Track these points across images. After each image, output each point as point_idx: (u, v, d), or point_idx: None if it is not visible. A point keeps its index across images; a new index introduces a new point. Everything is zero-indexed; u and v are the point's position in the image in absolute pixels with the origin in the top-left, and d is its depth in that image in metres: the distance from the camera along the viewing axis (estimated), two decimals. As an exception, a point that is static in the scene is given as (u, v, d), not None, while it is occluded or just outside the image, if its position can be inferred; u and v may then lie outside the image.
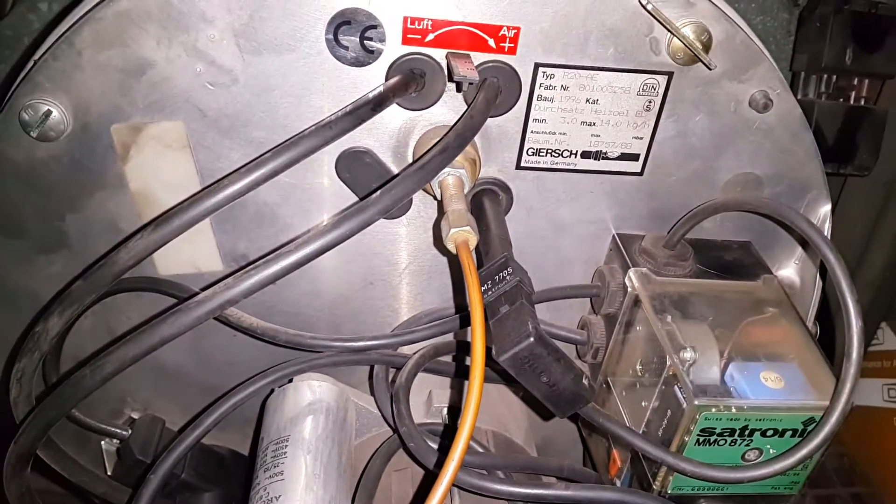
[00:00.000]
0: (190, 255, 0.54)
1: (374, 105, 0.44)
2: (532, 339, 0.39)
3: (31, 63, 0.48)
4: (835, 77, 0.85)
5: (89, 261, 0.53)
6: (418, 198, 0.53)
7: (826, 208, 0.56)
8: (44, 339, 0.41)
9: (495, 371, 0.54)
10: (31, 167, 0.49)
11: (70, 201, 0.51)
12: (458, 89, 0.47)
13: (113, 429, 0.56)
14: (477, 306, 0.37)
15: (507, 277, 0.44)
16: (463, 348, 0.55)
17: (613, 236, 0.55)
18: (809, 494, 1.15)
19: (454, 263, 0.56)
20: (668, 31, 0.45)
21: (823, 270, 0.57)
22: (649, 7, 0.44)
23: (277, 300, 0.57)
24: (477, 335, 0.36)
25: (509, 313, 0.41)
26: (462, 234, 0.42)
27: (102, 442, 0.61)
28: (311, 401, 0.51)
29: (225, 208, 0.50)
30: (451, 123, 0.49)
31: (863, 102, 0.88)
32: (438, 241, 0.48)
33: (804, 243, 0.57)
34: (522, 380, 0.41)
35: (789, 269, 0.59)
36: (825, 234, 0.54)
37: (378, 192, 0.40)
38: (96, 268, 0.40)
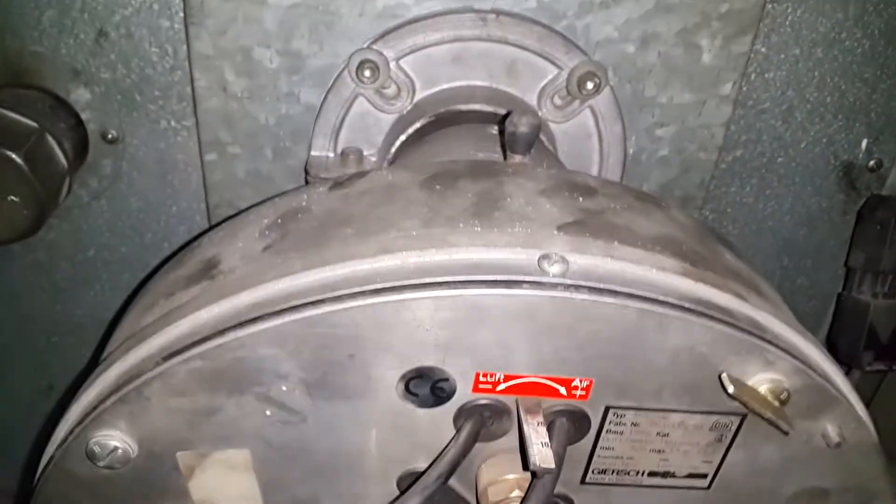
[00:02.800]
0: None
1: (448, 475, 0.43)
2: None
3: (98, 391, 0.47)
4: (890, 278, 0.84)
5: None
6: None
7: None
8: None
9: None
10: (93, 482, 0.49)
11: (133, 506, 0.51)
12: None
13: None
14: None
15: None
16: None
17: (676, 537, 0.54)
18: None
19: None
20: (752, 411, 0.44)
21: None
22: (730, 390, 0.43)
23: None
24: None
25: None
26: None
27: None
28: None
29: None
30: (516, 449, 0.49)
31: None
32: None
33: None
34: None
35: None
36: None
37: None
38: None
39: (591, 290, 0.43)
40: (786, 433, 0.45)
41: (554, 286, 0.42)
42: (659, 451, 0.50)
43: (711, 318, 0.44)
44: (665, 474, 0.51)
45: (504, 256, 0.44)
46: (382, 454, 0.48)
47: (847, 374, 0.72)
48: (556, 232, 0.46)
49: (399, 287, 0.42)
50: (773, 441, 0.49)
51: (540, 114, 0.77)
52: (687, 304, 0.44)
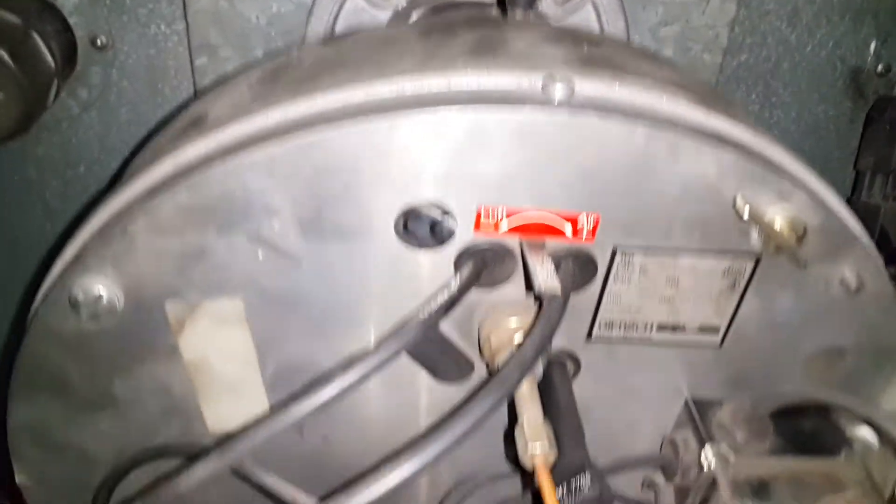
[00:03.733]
0: (242, 412, 0.52)
1: (447, 309, 0.41)
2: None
3: (80, 243, 0.45)
4: (902, 179, 0.81)
5: (138, 419, 0.51)
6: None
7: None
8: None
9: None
10: (78, 339, 0.47)
11: (119, 368, 0.49)
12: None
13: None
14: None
15: (585, 488, 0.41)
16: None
17: (686, 401, 0.53)
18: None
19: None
20: (767, 239, 0.42)
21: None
22: (745, 215, 0.41)
23: (328, 459, 0.54)
24: None
25: (591, 543, 0.39)
26: (541, 455, 0.39)
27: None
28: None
29: (278, 373, 0.49)
30: (520, 300, 0.47)
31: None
32: (510, 447, 0.45)
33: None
34: None
35: (866, 428, 0.55)
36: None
37: (452, 416, 0.37)
38: (156, 491, 0.38)
39: (598, 112, 0.41)
40: (803, 267, 0.43)
41: (559, 108, 0.40)
42: (668, 301, 0.48)
43: (724, 144, 0.41)
44: (675, 328, 0.49)
45: (507, 81, 0.42)
46: (381, 303, 0.46)
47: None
48: (560, 65, 0.44)
49: (395, 109, 0.40)
50: (789, 289, 0.47)
51: (539, 8, 0.75)
52: (698, 131, 0.42)
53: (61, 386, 0.49)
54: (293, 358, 0.49)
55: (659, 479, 0.54)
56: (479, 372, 0.50)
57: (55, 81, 0.76)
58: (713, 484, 0.49)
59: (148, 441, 0.51)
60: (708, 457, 0.49)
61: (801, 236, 0.43)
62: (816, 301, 0.48)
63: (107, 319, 0.45)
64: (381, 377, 0.49)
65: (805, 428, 0.52)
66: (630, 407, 0.53)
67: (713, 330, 0.49)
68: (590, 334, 0.49)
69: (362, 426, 0.53)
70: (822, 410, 0.54)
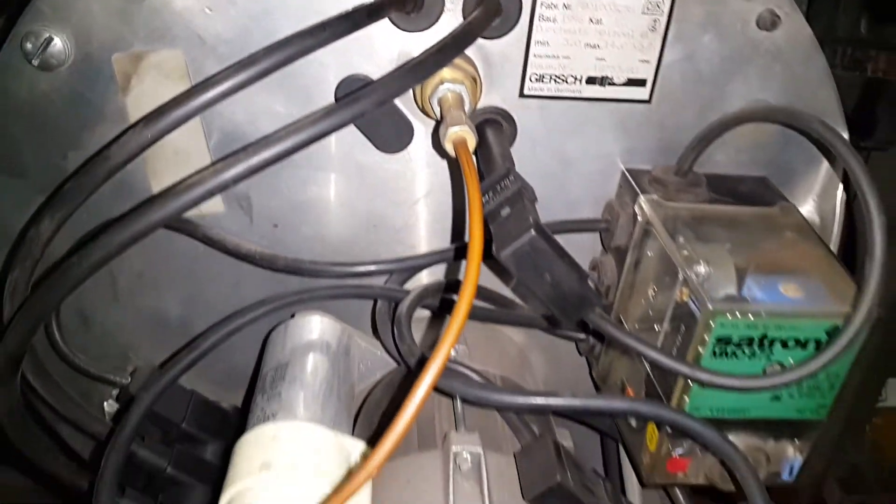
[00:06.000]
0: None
1: (370, 12, 0.43)
2: (533, 231, 0.38)
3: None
4: (849, 49, 0.84)
5: (90, 201, 0.52)
6: (421, 134, 0.52)
7: (843, 136, 0.54)
8: (36, 244, 0.40)
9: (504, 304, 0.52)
10: (32, 101, 0.49)
11: (71, 137, 0.51)
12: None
13: (113, 377, 0.55)
14: (475, 200, 0.36)
15: (509, 185, 0.43)
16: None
17: (622, 171, 0.54)
18: (848, 501, 1.09)
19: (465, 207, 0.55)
20: None
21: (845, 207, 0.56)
22: None
23: (279, 246, 0.55)
24: (475, 224, 0.34)
25: (510, 214, 0.40)
26: (461, 134, 0.41)
27: (105, 403, 0.60)
28: (313, 335, 0.49)
29: (223, 142, 0.50)
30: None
31: (881, 76, 0.87)
32: (437, 147, 0.47)
33: (827, 152, 0.55)
34: (524, 279, 0.39)
35: (807, 206, 0.57)
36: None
37: (374, 83, 0.39)
38: (88, 166, 0.39)
39: None
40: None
41: None
42: (595, 47, 0.50)
43: None
44: (603, 80, 0.51)
45: None
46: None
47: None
48: None
49: None
50: (710, 31, 0.50)
51: None
52: None
53: (16, 165, 0.51)
54: (238, 126, 0.50)
55: (601, 258, 0.55)
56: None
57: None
58: (648, 232, 0.50)
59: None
60: (642, 205, 0.50)
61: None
62: (736, 45, 0.50)
63: (58, 74, 0.48)
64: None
65: (742, 189, 0.54)
66: (569, 180, 0.54)
67: (640, 82, 0.51)
68: (522, 91, 0.51)
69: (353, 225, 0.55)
70: (759, 180, 0.55)
